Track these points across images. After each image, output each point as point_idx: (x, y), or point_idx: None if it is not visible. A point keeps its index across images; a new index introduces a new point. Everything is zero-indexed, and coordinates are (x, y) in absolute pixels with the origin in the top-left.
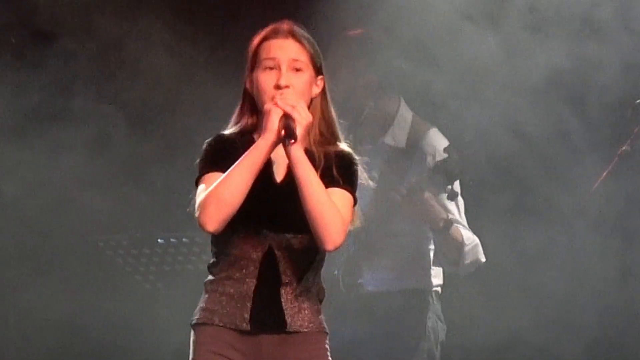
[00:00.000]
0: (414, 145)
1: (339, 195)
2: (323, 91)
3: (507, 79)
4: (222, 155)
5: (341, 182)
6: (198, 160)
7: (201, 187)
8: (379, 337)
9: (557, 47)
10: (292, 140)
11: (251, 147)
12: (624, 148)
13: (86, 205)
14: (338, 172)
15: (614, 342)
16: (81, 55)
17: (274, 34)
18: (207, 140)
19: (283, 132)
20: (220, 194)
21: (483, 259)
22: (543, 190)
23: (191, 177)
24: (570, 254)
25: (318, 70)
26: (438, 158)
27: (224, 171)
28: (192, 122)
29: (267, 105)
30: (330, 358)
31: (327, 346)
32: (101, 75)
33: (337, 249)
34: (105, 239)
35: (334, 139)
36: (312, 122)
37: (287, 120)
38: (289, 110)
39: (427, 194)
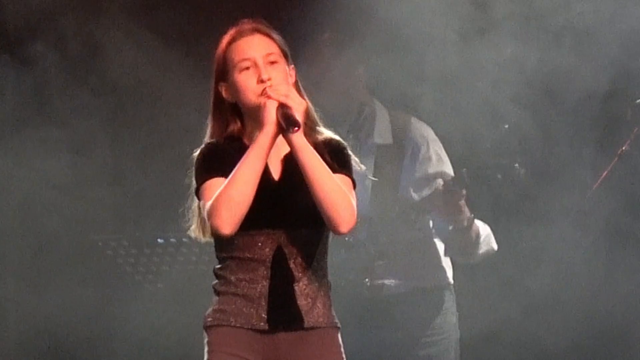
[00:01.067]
0: (402, 139)
1: (340, 180)
2: (295, 80)
3: (497, 81)
4: (218, 161)
5: (337, 167)
6: (193, 171)
7: (205, 195)
8: (401, 340)
9: (546, 50)
10: (296, 128)
11: (252, 144)
12: (623, 148)
13: (84, 206)
14: (331, 158)
15: (599, 338)
16: (57, 59)
17: (240, 34)
18: (197, 151)
19: (283, 122)
20: (229, 195)
21: (496, 247)
22: (535, 190)
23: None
24: (560, 252)
25: (288, 60)
26: (432, 149)
27: (224, 176)
28: (180, 120)
29: (261, 100)
30: (343, 354)
31: (340, 342)
32: (77, 79)
33: (350, 231)
34: (106, 239)
35: (315, 124)
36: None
37: (284, 109)
38: (283, 99)
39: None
